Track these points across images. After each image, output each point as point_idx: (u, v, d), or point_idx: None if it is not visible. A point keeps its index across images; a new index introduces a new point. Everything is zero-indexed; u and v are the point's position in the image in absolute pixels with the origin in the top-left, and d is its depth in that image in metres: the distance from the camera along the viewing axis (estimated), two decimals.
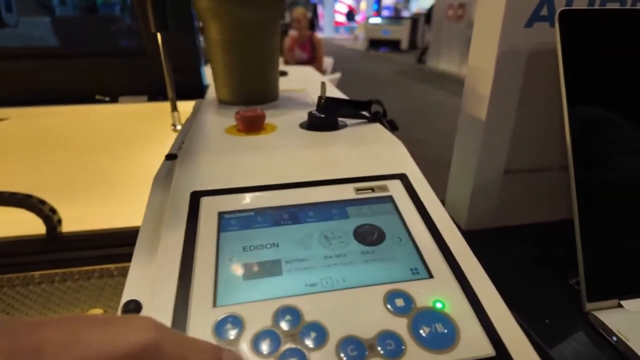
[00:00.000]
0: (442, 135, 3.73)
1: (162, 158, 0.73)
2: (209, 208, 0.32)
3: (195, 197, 0.33)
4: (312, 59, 4.06)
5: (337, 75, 3.85)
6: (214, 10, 0.52)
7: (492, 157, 0.47)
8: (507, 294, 0.41)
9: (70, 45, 0.71)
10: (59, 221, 0.60)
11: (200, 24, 0.56)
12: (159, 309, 0.25)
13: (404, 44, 9.82)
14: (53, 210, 0.59)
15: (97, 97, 0.67)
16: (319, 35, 4.16)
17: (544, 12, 0.41)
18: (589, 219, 0.37)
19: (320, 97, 0.46)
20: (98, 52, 0.67)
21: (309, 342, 0.23)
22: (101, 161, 0.68)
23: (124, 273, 0.69)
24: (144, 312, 0.26)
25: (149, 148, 0.73)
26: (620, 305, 0.36)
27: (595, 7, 0.42)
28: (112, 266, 0.66)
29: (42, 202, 0.58)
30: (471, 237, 0.51)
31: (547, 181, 0.49)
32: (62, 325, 0.17)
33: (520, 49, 0.42)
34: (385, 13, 12.71)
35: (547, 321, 0.37)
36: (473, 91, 0.46)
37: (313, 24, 8.73)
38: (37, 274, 0.67)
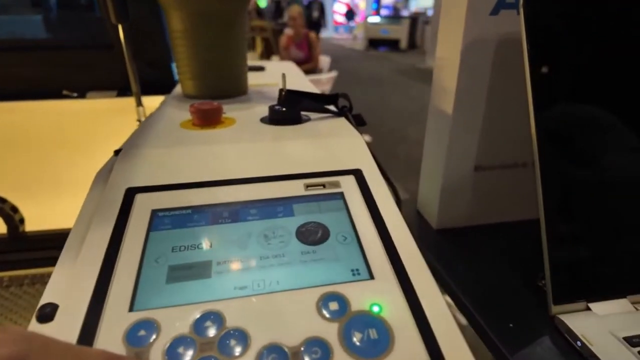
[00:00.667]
0: None
1: None
2: (143, 205, 0.30)
3: (130, 194, 0.31)
4: (309, 58, 4.04)
5: (334, 74, 3.83)
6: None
7: (461, 153, 0.45)
8: (473, 296, 0.39)
9: (36, 38, 0.69)
10: (22, 220, 0.58)
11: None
12: (71, 312, 0.23)
13: (403, 44, 9.79)
14: (14, 209, 0.57)
15: (65, 92, 0.65)
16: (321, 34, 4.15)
17: None
18: (555, 217, 0.35)
19: (281, 90, 0.44)
20: (63, 44, 0.65)
21: (227, 350, 0.21)
22: (66, 159, 0.66)
23: None
24: (59, 317, 0.24)
25: (115, 145, 0.72)
26: (588, 309, 0.35)
27: None
28: None
29: (3, 201, 0.56)
30: (442, 236, 0.49)
31: (520, 178, 0.47)
32: None
33: (486, 38, 0.40)
34: (384, 12, 12.67)
35: (511, 325, 0.35)
36: (440, 84, 0.45)
37: (319, 23, 8.59)
38: (5, 276, 0.65)
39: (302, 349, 0.21)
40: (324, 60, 4.39)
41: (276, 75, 0.78)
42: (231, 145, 0.37)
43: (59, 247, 0.64)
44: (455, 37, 0.41)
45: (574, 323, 0.33)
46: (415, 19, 9.73)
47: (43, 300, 0.25)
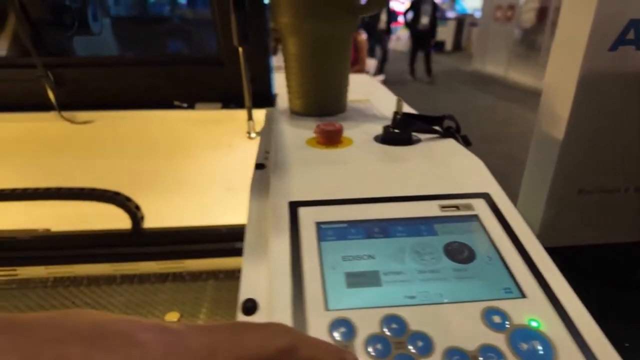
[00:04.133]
0: (487, 141, 3.64)
1: (231, 161, 0.78)
2: (307, 218, 0.35)
3: (293, 207, 0.36)
4: (355, 61, 4.07)
5: (381, 77, 3.85)
6: (294, 26, 0.55)
7: (566, 176, 0.47)
8: None
9: (152, 54, 0.76)
10: (142, 217, 0.65)
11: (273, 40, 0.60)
12: (279, 310, 0.28)
13: (449, 45, 9.61)
14: (137, 207, 0.65)
15: (176, 103, 0.72)
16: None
17: (630, 35, 0.41)
18: None
19: (396, 113, 0.48)
20: (178, 60, 0.73)
21: (416, 350, 0.25)
22: (177, 162, 0.73)
23: (194, 278, 0.76)
24: (260, 311, 0.29)
25: (220, 152, 0.79)
26: None
27: None
28: (184, 272, 0.73)
29: (128, 199, 0.64)
30: None
31: (623, 202, 0.48)
32: (227, 330, 0.20)
33: (603, 72, 0.42)
34: None
35: (627, 345, 0.37)
36: (550, 110, 0.47)
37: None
38: (118, 274, 0.74)
39: (478, 353, 0.25)
40: (370, 64, 4.41)
41: (358, 89, 0.82)
42: (362, 165, 0.42)
43: (172, 242, 0.71)
44: (571, 69, 0.43)
45: None
46: (462, 21, 9.54)
47: (243, 296, 0.31)
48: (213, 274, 0.79)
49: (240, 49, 0.60)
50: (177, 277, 0.78)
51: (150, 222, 0.69)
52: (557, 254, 0.51)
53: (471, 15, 9.66)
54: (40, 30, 0.71)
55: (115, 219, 0.66)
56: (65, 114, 0.70)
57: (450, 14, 11.07)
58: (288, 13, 0.55)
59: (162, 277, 0.77)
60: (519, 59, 6.20)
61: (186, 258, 0.68)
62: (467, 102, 5.14)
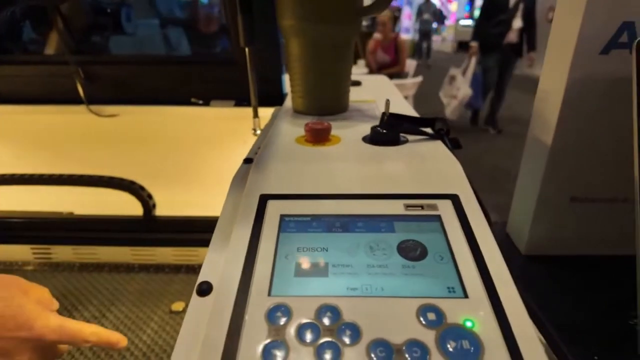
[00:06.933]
0: None
1: (242, 156, 0.81)
2: (273, 210, 0.37)
3: (263, 200, 0.38)
4: (395, 62, 4.03)
5: (419, 79, 3.78)
6: (296, 28, 0.57)
7: (557, 183, 0.46)
8: (559, 324, 0.40)
9: (171, 53, 0.81)
10: (154, 205, 0.70)
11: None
12: (225, 291, 0.30)
13: None
14: (150, 196, 0.69)
15: (193, 100, 0.76)
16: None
17: (624, 38, 0.39)
18: None
19: (383, 114, 0.49)
20: (194, 60, 0.77)
21: (344, 339, 0.26)
22: (191, 155, 0.78)
23: None
24: (213, 293, 0.32)
25: (231, 147, 0.82)
26: None
27: None
28: (196, 264, 0.76)
29: (142, 188, 0.68)
30: (529, 262, 0.50)
31: (617, 213, 0.46)
32: None
33: (593, 76, 0.41)
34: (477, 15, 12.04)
35: (596, 358, 0.36)
36: (541, 115, 0.46)
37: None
38: (137, 263, 0.80)
39: (404, 347, 0.26)
40: (410, 64, 4.34)
41: (372, 90, 0.83)
42: (341, 163, 0.43)
43: (182, 230, 0.75)
44: (560, 73, 0.42)
45: None
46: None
47: (200, 279, 0.33)
48: None
49: (247, 50, 0.63)
50: (190, 269, 0.83)
51: (165, 210, 0.74)
52: (543, 262, 0.49)
53: None
54: (78, 31, 0.78)
55: (135, 206, 0.72)
56: (93, 107, 0.76)
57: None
58: (290, 15, 0.57)
59: (176, 268, 0.83)
60: None
61: (191, 246, 0.72)
62: (512, 107, 4.93)
